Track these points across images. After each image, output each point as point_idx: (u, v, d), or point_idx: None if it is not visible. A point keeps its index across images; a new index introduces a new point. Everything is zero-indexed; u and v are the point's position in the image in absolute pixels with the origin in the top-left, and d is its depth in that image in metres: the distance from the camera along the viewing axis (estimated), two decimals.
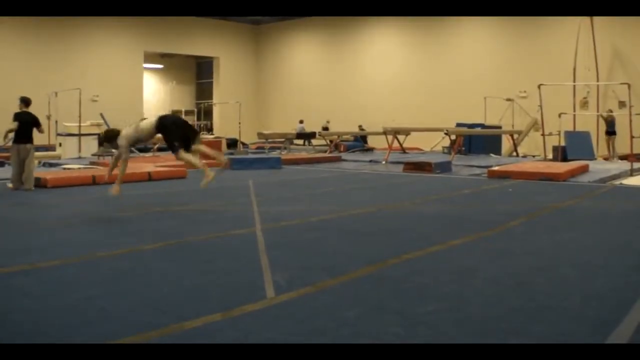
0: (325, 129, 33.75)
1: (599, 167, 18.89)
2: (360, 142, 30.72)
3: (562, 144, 21.98)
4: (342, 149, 28.44)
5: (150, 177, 15.50)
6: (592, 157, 22.26)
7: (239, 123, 30.39)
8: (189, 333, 4.31)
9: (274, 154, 25.80)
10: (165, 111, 40.92)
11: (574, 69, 25.14)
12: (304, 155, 24.74)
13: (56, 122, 25.93)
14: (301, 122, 34.96)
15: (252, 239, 7.68)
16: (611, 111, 23.38)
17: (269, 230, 8.29)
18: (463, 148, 25.15)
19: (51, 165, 20.07)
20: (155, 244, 7.40)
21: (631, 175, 17.05)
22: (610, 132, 23.10)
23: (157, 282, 5.72)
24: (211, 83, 41.27)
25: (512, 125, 28.03)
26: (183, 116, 41.99)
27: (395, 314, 4.76)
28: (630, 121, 18.86)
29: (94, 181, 14.37)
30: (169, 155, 25.48)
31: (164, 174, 16.11)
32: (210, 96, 41.24)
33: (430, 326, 4.49)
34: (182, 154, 10.33)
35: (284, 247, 7.32)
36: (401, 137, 26.36)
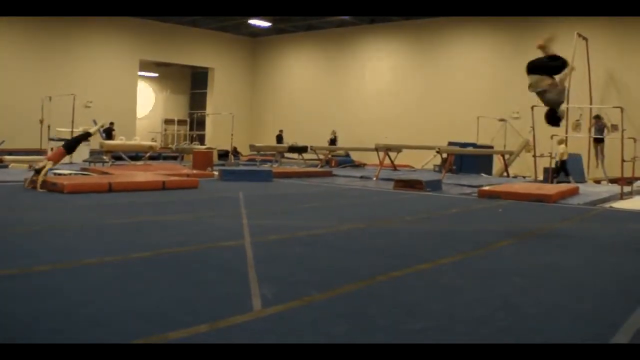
0: (333, 141, 33.72)
1: (590, 190, 18.92)
2: (350, 157, 30.78)
3: (553, 165, 22.01)
4: (333, 164, 28.47)
5: (164, 186, 15.69)
6: (582, 180, 22.31)
7: (232, 134, 30.37)
8: (174, 343, 4.28)
9: (266, 166, 25.80)
10: (159, 119, 41.05)
11: (568, 91, 25.19)
12: (295, 168, 24.71)
13: (49, 126, 25.94)
14: (280, 131, 35.44)
15: (240, 252, 7.66)
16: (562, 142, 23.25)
17: (257, 243, 8.26)
18: (454, 167, 25.17)
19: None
20: (144, 253, 7.38)
21: (621, 198, 17.09)
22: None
23: (144, 291, 5.69)
24: (205, 93, 41.24)
25: (504, 146, 28.06)
26: (176, 125, 42.16)
27: (383, 331, 4.74)
28: (622, 145, 18.90)
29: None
30: (161, 163, 25.54)
31: (176, 183, 16.26)
32: (203, 106, 41.22)
33: (418, 344, 4.48)
34: None
35: (272, 260, 7.30)
36: (393, 154, 26.38)
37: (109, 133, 29.13)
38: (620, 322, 5.14)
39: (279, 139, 35.03)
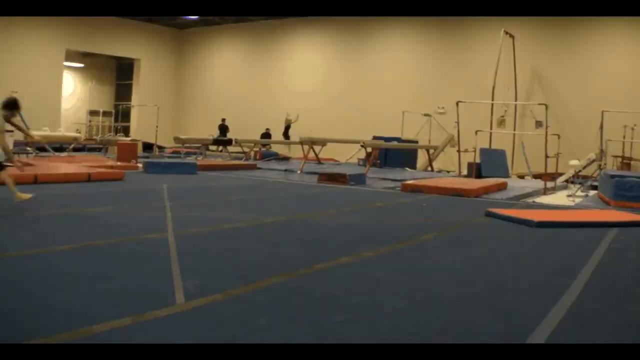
0: (267, 135, 33.66)
1: (514, 185, 19.19)
2: (274, 151, 30.79)
3: (478, 161, 22.26)
4: (257, 157, 28.42)
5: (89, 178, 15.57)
6: (506, 175, 22.59)
7: (157, 127, 30.12)
8: (98, 337, 4.24)
9: (190, 159, 25.65)
10: (84, 110, 40.46)
11: (493, 88, 25.56)
12: (219, 161, 24.60)
13: None
14: (223, 120, 35.16)
15: (164, 245, 7.60)
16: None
17: (181, 236, 8.22)
18: (378, 161, 25.33)
19: None
20: (66, 246, 7.27)
21: (544, 193, 17.40)
22: None
23: (66, 284, 5.61)
24: (131, 85, 40.80)
25: (429, 141, 28.32)
26: (101, 117, 41.65)
27: (306, 323, 4.77)
28: (546, 141, 19.19)
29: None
30: (85, 155, 25.20)
31: (101, 175, 16.13)
32: (129, 98, 40.75)
33: (340, 336, 4.51)
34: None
35: (196, 253, 7.28)
36: (317, 148, 26.43)
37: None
38: (542, 314, 5.24)
39: (222, 128, 34.73)
